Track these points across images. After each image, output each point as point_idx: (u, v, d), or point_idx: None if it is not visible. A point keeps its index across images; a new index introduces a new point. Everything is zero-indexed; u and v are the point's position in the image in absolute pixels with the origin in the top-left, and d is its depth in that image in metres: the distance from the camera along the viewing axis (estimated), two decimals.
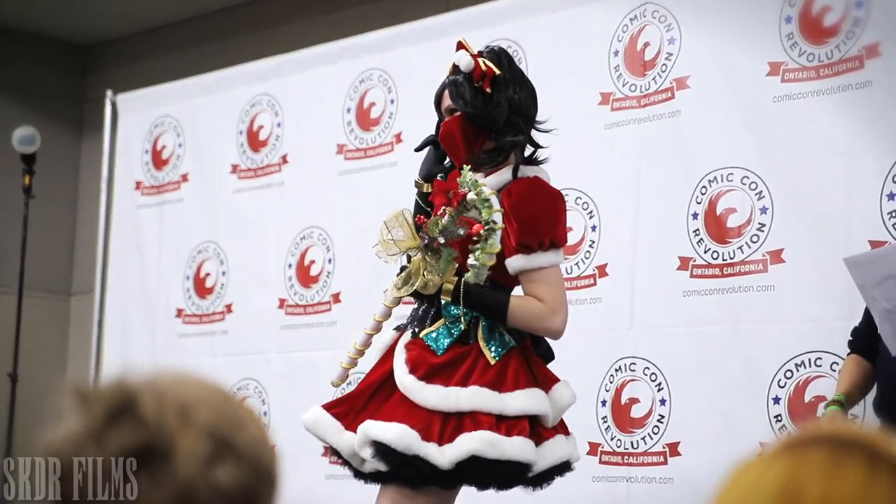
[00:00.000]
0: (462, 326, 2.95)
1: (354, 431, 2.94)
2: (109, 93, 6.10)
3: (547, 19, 4.71)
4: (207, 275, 5.63)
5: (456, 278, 2.93)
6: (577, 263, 4.46)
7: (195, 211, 5.71)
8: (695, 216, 4.20)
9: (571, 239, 4.47)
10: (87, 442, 1.05)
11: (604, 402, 4.29)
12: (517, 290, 3.06)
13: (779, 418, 3.91)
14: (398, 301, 3.10)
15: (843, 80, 3.98)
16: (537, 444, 2.92)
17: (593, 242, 4.43)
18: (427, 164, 3.24)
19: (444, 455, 2.82)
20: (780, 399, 3.94)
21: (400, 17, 5.29)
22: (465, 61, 3.03)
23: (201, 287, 5.65)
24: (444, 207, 2.91)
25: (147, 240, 5.87)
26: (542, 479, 3.01)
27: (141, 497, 1.04)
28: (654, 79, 4.38)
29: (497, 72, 3.03)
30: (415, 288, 2.93)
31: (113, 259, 6.01)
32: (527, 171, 3.04)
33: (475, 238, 2.88)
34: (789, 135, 4.07)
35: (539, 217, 2.94)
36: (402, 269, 3.03)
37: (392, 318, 3.21)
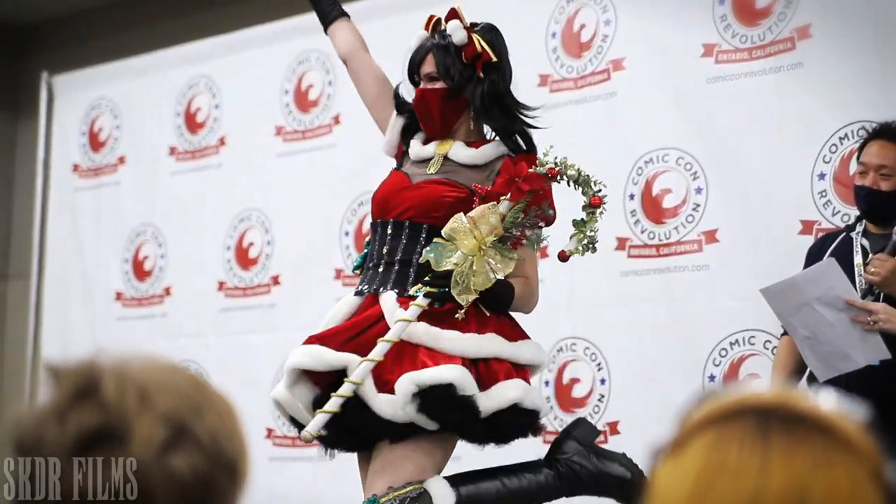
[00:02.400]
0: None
1: (348, 352, 2.82)
2: (45, 75, 6.05)
3: (484, 1, 4.72)
4: (146, 258, 5.60)
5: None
6: None
7: (133, 194, 5.68)
8: (631, 197, 4.25)
9: None
10: (50, 420, 1.05)
11: (546, 383, 4.33)
12: None
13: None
14: (417, 315, 2.84)
15: (775, 62, 4.04)
16: None
17: None
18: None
19: (488, 401, 2.78)
20: (715, 377, 4.01)
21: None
22: (459, 35, 2.98)
23: (140, 270, 5.61)
24: (523, 193, 2.83)
25: (85, 223, 5.82)
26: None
27: (95, 480, 1.04)
28: (590, 60, 4.42)
29: (493, 58, 2.98)
30: (485, 286, 2.80)
31: (50, 243, 5.96)
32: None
33: (590, 211, 2.88)
34: (723, 116, 4.12)
35: (540, 197, 2.90)
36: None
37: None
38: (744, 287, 3.97)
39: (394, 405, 2.77)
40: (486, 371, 2.84)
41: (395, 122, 3.15)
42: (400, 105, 3.15)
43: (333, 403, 2.81)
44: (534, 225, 2.88)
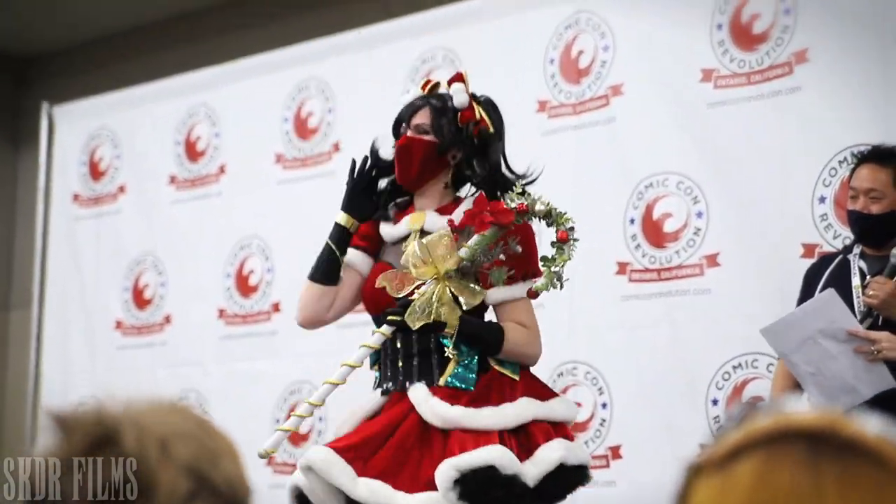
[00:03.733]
0: (476, 358, 2.92)
1: (368, 476, 2.81)
2: (45, 104, 6.05)
3: (483, 27, 4.75)
4: (146, 286, 5.60)
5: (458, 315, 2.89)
6: None
7: (133, 222, 5.68)
8: (632, 221, 4.25)
9: None
10: (68, 473, 1.04)
11: None
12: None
13: (717, 419, 3.97)
14: (382, 342, 2.93)
15: (773, 86, 4.06)
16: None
17: None
18: (361, 202, 3.13)
19: (534, 468, 2.79)
20: (717, 401, 4.00)
21: (338, 26, 5.30)
22: (460, 98, 3.02)
23: (140, 299, 5.61)
24: (492, 227, 2.86)
25: (85, 252, 5.82)
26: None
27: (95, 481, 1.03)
28: (589, 86, 4.43)
29: (491, 129, 3.03)
30: (438, 317, 2.85)
31: (51, 272, 5.95)
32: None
33: (559, 246, 2.91)
34: (723, 140, 4.13)
35: (530, 250, 2.97)
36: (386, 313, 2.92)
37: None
38: (746, 310, 3.96)
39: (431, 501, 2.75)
40: (527, 438, 2.85)
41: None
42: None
43: (292, 423, 2.91)
44: (496, 260, 2.88)
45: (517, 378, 2.92)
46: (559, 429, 2.90)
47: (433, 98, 3.07)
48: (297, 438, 4.83)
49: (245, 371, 5.16)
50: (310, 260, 5.34)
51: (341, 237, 3.10)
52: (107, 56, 6.77)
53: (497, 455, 2.75)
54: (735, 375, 3.99)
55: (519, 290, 2.96)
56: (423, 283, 2.88)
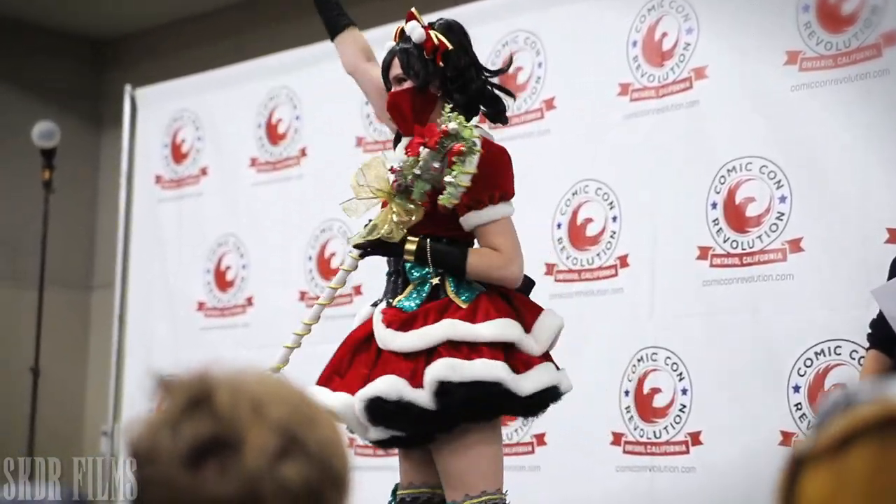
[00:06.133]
0: (432, 283, 3.05)
1: (345, 391, 3.02)
2: (128, 87, 6.10)
3: (564, 10, 4.73)
4: (228, 268, 5.66)
5: (418, 239, 3.02)
6: (598, 254, 4.48)
7: (215, 204, 5.73)
8: (714, 206, 4.21)
9: (593, 230, 4.50)
10: (163, 429, 1.07)
11: (626, 393, 4.31)
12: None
13: (798, 406, 3.93)
14: (355, 264, 3.14)
15: (860, 69, 3.99)
16: (519, 371, 2.97)
17: (614, 233, 4.45)
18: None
19: (424, 392, 2.93)
20: (800, 387, 3.96)
21: (422, 8, 5.27)
22: (417, 33, 3.14)
23: (222, 280, 5.67)
24: (420, 148, 2.97)
25: (167, 234, 5.89)
26: (533, 405, 3.05)
27: (208, 488, 1.05)
28: (672, 69, 4.39)
29: (449, 46, 3.13)
30: (380, 235, 3.00)
31: (133, 253, 6.03)
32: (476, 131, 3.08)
33: (453, 160, 2.93)
34: (807, 123, 4.07)
35: (487, 173, 2.99)
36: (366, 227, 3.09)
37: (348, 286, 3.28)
38: (829, 296, 3.92)
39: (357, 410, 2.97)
40: (429, 361, 2.96)
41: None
42: None
43: (293, 340, 3.28)
44: (429, 176, 2.93)
45: (463, 306, 2.98)
46: (480, 348, 2.93)
47: (400, 44, 3.18)
48: None
49: (327, 353, 5.18)
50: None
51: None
52: (189, 38, 6.85)
53: (383, 387, 2.92)
54: (817, 362, 3.95)
55: (487, 214, 3.02)
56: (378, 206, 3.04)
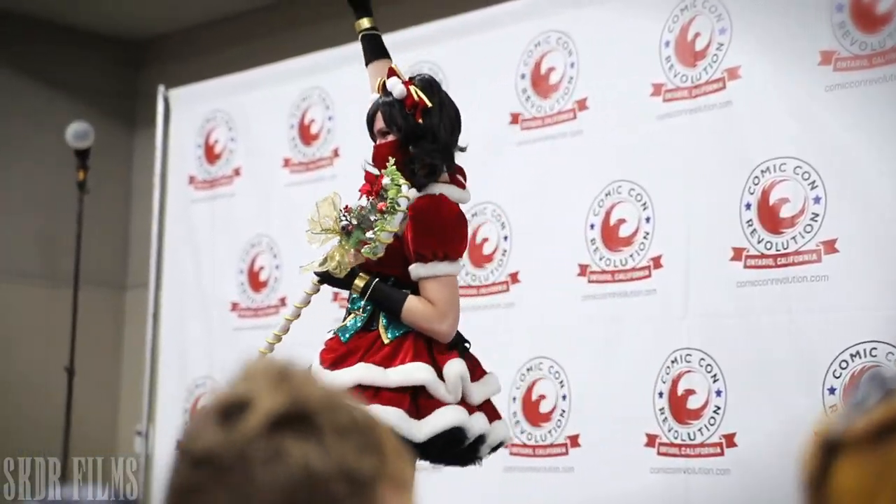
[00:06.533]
0: (365, 316, 3.27)
1: None
2: (162, 88, 6.12)
3: (596, 11, 4.72)
4: (261, 268, 5.67)
5: (367, 277, 3.25)
6: (631, 255, 4.47)
7: (248, 205, 5.75)
8: (748, 206, 4.20)
9: (626, 231, 4.49)
10: (237, 405, 1.05)
11: (661, 394, 4.30)
12: None
13: (834, 409, 3.92)
14: (316, 288, 3.39)
15: (895, 69, 3.97)
16: (421, 415, 3.13)
17: (647, 234, 4.44)
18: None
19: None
20: (835, 389, 3.94)
21: (452, 8, 5.29)
22: (398, 89, 3.30)
23: (255, 281, 5.69)
24: (364, 195, 3.24)
25: (200, 234, 5.91)
26: (429, 449, 3.15)
27: (205, 438, 1.04)
28: (705, 69, 4.38)
29: (428, 104, 3.28)
30: (326, 269, 3.23)
31: (167, 253, 6.05)
32: (433, 189, 3.27)
33: (378, 216, 3.15)
34: (842, 124, 4.05)
35: (436, 230, 3.20)
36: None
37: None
38: (864, 297, 3.90)
39: None
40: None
41: None
42: None
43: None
44: (365, 222, 3.17)
45: (386, 342, 3.20)
46: (385, 394, 3.12)
47: (383, 96, 3.35)
48: None
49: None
50: None
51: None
52: (222, 39, 6.88)
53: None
54: (853, 364, 3.93)
55: (429, 269, 3.20)
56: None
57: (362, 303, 3.27)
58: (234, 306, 5.74)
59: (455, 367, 3.20)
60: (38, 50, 7.06)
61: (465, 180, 3.44)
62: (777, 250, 4.12)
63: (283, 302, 5.57)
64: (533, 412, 4.64)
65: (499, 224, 4.87)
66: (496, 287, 4.83)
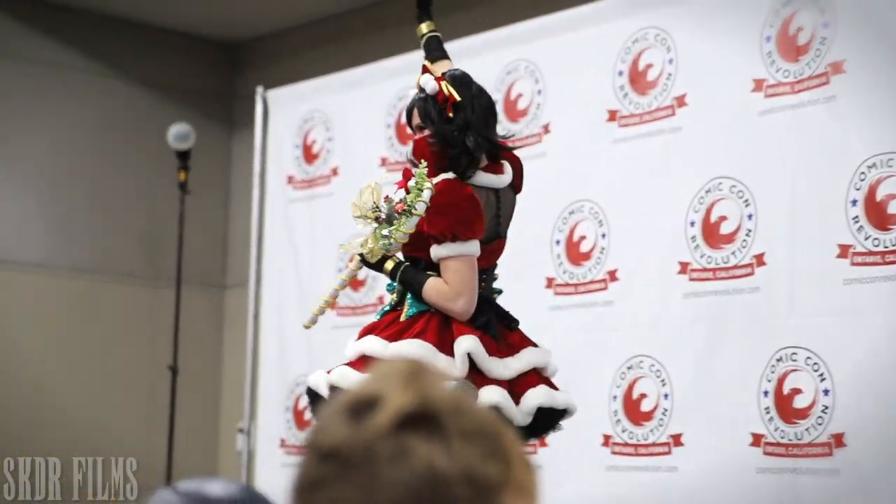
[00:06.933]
0: (394, 297, 3.50)
1: None
2: (260, 89, 6.19)
3: (694, 6, 4.68)
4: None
5: (396, 261, 3.48)
6: (733, 253, 4.43)
7: (346, 204, 5.75)
8: (854, 203, 4.14)
9: (727, 228, 4.45)
10: (367, 402, 1.08)
11: (766, 393, 4.25)
12: None
13: None
14: (359, 265, 3.58)
15: None
16: None
17: (749, 231, 4.39)
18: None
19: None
20: None
21: (549, 6, 5.28)
22: (430, 85, 3.50)
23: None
24: (397, 190, 3.45)
25: (299, 233, 5.97)
26: None
27: (334, 432, 1.05)
28: (807, 64, 4.32)
29: (458, 98, 3.45)
30: (362, 251, 3.45)
31: (267, 252, 6.12)
32: (449, 174, 3.43)
33: (398, 214, 3.36)
34: None
35: (446, 211, 3.34)
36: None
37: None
38: None
39: None
40: None
41: None
42: None
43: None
44: (394, 234, 3.36)
45: (402, 318, 3.42)
46: (364, 362, 3.34)
47: (419, 93, 3.55)
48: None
49: None
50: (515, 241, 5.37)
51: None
52: (319, 40, 6.93)
53: (312, 380, 3.51)
54: None
55: (444, 249, 3.35)
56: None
57: (395, 285, 3.48)
58: (333, 305, 5.77)
59: (462, 343, 3.31)
60: (140, 54, 7.18)
61: (520, 167, 3.62)
62: (885, 247, 4.05)
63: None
64: (634, 411, 4.62)
65: (596, 222, 4.86)
66: (594, 285, 4.81)
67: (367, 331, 3.47)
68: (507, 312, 3.53)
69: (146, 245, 7.09)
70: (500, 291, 3.58)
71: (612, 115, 4.84)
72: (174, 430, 6.32)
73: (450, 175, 3.40)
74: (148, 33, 7.18)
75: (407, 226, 3.34)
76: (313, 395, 3.50)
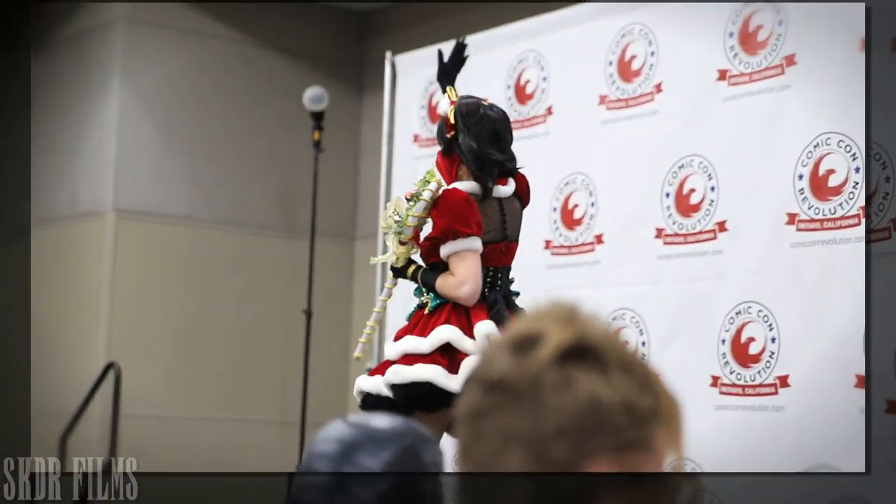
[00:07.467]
0: (422, 299, 3.92)
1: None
2: (389, 54, 6.47)
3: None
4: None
5: (416, 265, 3.93)
6: (840, 204, 4.56)
7: None
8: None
9: (835, 180, 4.59)
10: (529, 338, 1.12)
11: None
12: None
13: None
14: (394, 281, 4.08)
15: None
16: (458, 370, 3.69)
17: (857, 184, 4.52)
18: None
19: (392, 389, 3.78)
20: None
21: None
22: (441, 107, 4.05)
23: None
24: (404, 198, 3.90)
25: None
26: None
27: (496, 366, 1.11)
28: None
29: (454, 123, 3.92)
30: (386, 260, 4.00)
31: None
32: (451, 185, 3.87)
33: (407, 200, 3.83)
34: None
35: (444, 214, 3.77)
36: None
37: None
38: None
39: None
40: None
41: None
42: None
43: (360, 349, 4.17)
44: (405, 220, 3.81)
45: (426, 312, 3.84)
46: (425, 359, 3.70)
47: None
48: None
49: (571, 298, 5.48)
50: (628, 196, 5.59)
51: None
52: (442, 9, 7.23)
53: (367, 385, 3.85)
54: None
55: (448, 247, 3.77)
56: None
57: (421, 289, 3.92)
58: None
59: (481, 326, 3.74)
60: (278, 22, 7.61)
61: (526, 184, 4.06)
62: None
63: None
64: (742, 354, 4.79)
65: (706, 175, 5.06)
66: (704, 235, 5.03)
67: (403, 333, 3.88)
68: (518, 307, 3.92)
69: (283, 199, 7.53)
70: (517, 294, 3.98)
71: (723, 75, 5.05)
72: (308, 370, 6.73)
73: (458, 184, 3.83)
74: (285, 5, 7.59)
75: (416, 209, 3.79)
76: (366, 399, 3.85)
